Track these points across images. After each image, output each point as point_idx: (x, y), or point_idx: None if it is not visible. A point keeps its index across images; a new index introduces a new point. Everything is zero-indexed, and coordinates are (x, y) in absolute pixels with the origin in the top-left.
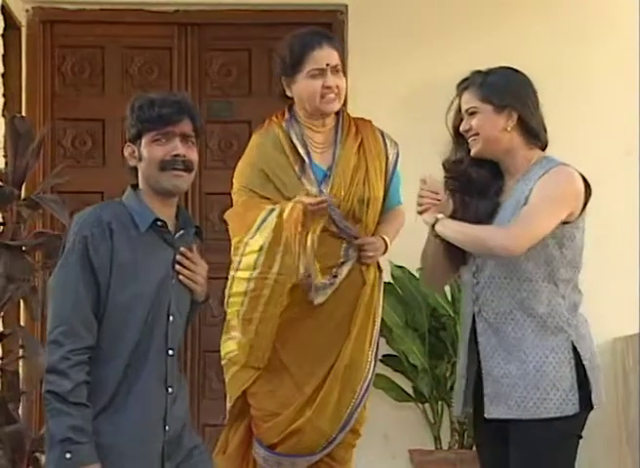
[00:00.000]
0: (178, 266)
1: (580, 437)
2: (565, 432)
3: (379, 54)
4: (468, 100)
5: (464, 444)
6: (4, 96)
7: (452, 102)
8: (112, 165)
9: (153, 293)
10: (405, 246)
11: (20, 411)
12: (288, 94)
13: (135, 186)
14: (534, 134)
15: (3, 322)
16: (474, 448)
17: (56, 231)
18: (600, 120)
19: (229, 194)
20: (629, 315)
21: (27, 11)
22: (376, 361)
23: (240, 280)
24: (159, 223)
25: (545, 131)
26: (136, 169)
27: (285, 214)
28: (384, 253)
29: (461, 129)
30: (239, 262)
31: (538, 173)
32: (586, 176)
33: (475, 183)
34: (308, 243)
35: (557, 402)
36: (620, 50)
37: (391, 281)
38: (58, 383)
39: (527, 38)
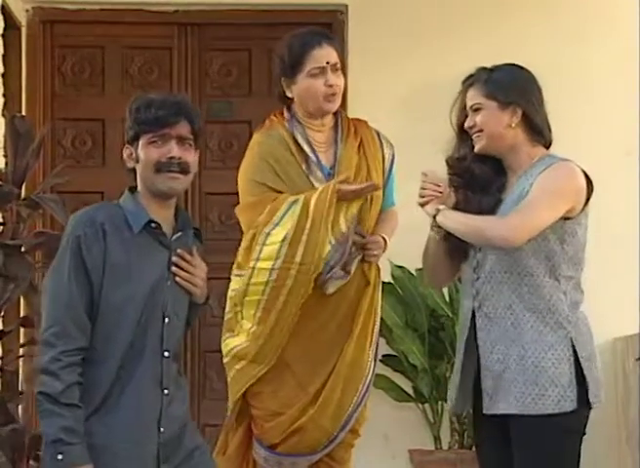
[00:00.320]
0: (174, 268)
1: (583, 434)
2: (564, 428)
3: (379, 54)
4: (473, 97)
5: (464, 444)
6: (4, 95)
7: (456, 99)
8: (112, 165)
9: (146, 295)
10: (405, 246)
11: (19, 411)
12: (288, 94)
13: (133, 188)
14: (538, 131)
15: (3, 321)
16: (474, 449)
17: (56, 231)
18: (600, 120)
19: (229, 194)
20: (629, 315)
21: (27, 11)
22: (376, 360)
23: (261, 270)
24: (153, 225)
25: (549, 128)
26: (134, 170)
27: (313, 200)
28: (384, 252)
29: (466, 125)
30: (260, 252)
31: (539, 169)
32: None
33: (478, 180)
34: (342, 226)
35: (555, 398)
36: (620, 50)
37: (391, 281)
38: (49, 384)
39: (527, 38)
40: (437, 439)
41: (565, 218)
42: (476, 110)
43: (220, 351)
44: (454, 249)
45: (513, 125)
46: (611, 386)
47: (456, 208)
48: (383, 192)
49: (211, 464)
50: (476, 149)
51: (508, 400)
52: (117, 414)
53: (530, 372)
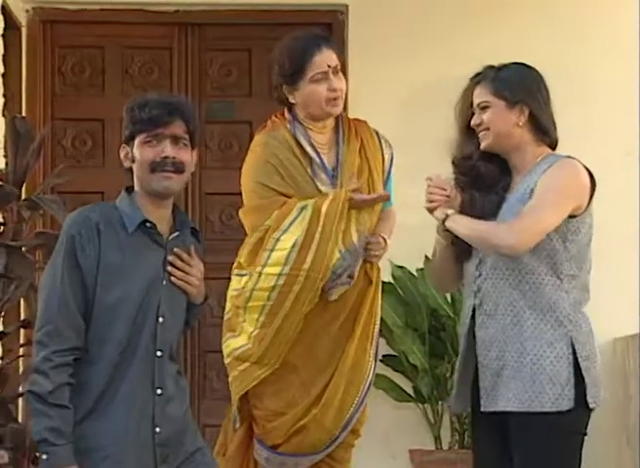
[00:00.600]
0: (169, 267)
1: (584, 435)
2: (560, 427)
3: (379, 54)
4: (480, 95)
5: (465, 444)
6: (4, 96)
7: (462, 96)
8: (112, 165)
9: (141, 295)
10: (405, 246)
11: (20, 410)
12: (291, 100)
13: (130, 188)
14: (544, 130)
15: (3, 321)
16: None
17: (56, 231)
18: (600, 120)
19: (230, 194)
20: (630, 315)
21: (27, 11)
22: (376, 360)
23: (268, 276)
24: (148, 224)
25: (555, 128)
26: (131, 170)
27: (324, 208)
28: (385, 252)
29: (473, 123)
30: (268, 258)
31: (543, 167)
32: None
33: (484, 178)
34: (354, 236)
35: (553, 396)
36: (620, 50)
37: (392, 281)
38: (39, 384)
39: (527, 38)
40: (437, 439)
41: (569, 216)
42: (483, 108)
43: (220, 351)
44: (461, 252)
45: (520, 124)
46: (611, 386)
47: (461, 208)
48: (383, 189)
49: (212, 466)
50: (482, 147)
51: (507, 397)
52: (109, 416)
53: (528, 370)
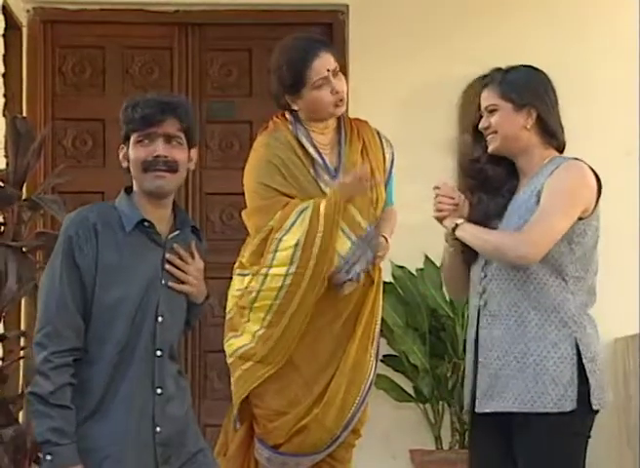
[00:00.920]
0: (167, 266)
1: (588, 437)
2: (562, 428)
3: (379, 54)
4: (488, 98)
5: (465, 444)
6: (5, 96)
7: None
8: (113, 165)
9: (140, 294)
10: (405, 246)
11: (21, 412)
12: (294, 107)
13: (129, 188)
14: (551, 133)
15: (4, 322)
16: None
17: (56, 231)
18: (600, 120)
19: (230, 194)
20: (630, 315)
21: (28, 11)
22: (377, 360)
23: (274, 276)
24: (146, 224)
25: (563, 131)
26: (130, 170)
27: (322, 206)
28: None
29: (480, 126)
30: (272, 259)
31: (549, 169)
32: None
33: (491, 181)
34: (362, 223)
35: (555, 397)
36: (620, 50)
37: (392, 281)
38: (40, 385)
39: (527, 38)
40: (438, 439)
41: (577, 218)
42: (491, 111)
43: (220, 351)
44: (469, 255)
45: (528, 126)
46: (611, 386)
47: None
48: (384, 190)
49: (213, 467)
50: (490, 150)
51: (505, 397)
52: (110, 416)
53: (531, 370)
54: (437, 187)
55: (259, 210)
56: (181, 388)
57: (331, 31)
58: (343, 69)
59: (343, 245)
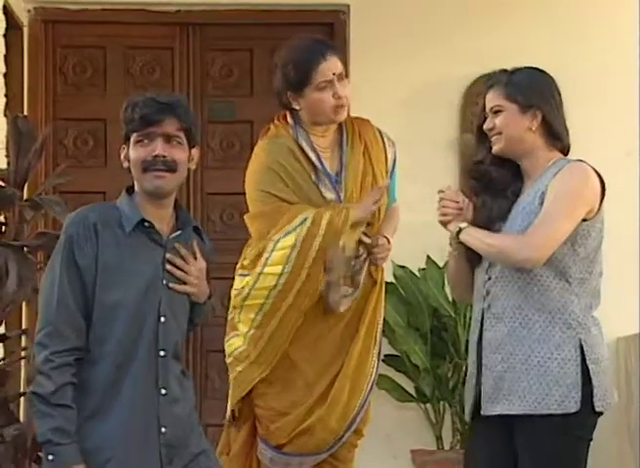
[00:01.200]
0: (168, 266)
1: (590, 440)
2: (566, 430)
3: (380, 54)
4: (493, 99)
5: (468, 448)
6: (6, 96)
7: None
8: (114, 165)
9: (140, 294)
10: (407, 245)
11: (22, 412)
12: (295, 107)
13: (131, 188)
14: (556, 135)
15: (5, 322)
16: None
17: (58, 231)
18: (600, 120)
19: (231, 194)
20: (631, 315)
21: (29, 11)
22: (379, 360)
23: (268, 275)
24: (146, 224)
25: (568, 133)
26: (130, 170)
27: (325, 220)
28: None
29: (485, 127)
30: (267, 258)
31: (553, 171)
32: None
33: (495, 183)
34: (348, 251)
35: (559, 398)
36: (620, 50)
37: (393, 281)
38: (41, 385)
39: (528, 38)
40: (439, 439)
41: (582, 219)
42: (496, 112)
43: (222, 351)
44: (474, 260)
45: (533, 128)
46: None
47: (473, 212)
48: (386, 191)
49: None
50: (494, 151)
51: (511, 400)
52: (112, 417)
53: (535, 372)
54: (441, 191)
55: (261, 216)
56: (185, 388)
57: (332, 31)
58: (344, 69)
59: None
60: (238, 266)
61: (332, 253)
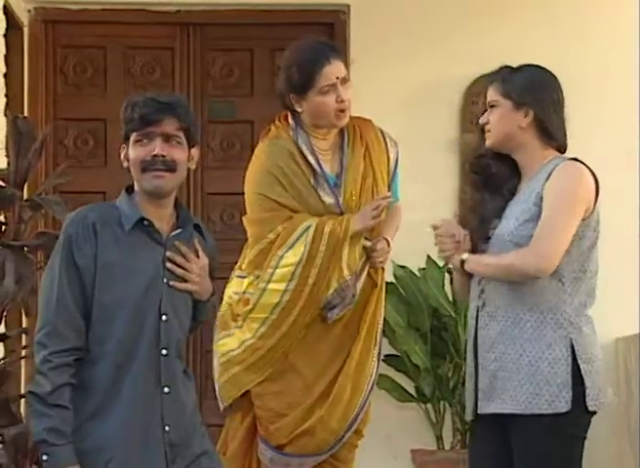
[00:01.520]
0: (169, 264)
1: (584, 438)
2: (557, 429)
3: (381, 54)
4: (491, 94)
5: (466, 444)
6: (6, 96)
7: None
8: (114, 165)
9: (141, 293)
10: (407, 246)
11: (22, 412)
12: (298, 109)
13: (131, 188)
14: (550, 134)
15: (6, 322)
16: None
17: (58, 231)
18: (600, 120)
19: (231, 194)
20: (631, 315)
21: (29, 11)
22: (379, 360)
23: (273, 291)
24: (145, 222)
25: (565, 133)
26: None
27: (327, 228)
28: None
29: (480, 121)
30: (271, 274)
31: (547, 170)
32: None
33: (495, 178)
34: (345, 271)
35: (549, 398)
36: (620, 50)
37: (394, 281)
38: (39, 384)
39: (528, 38)
40: (439, 439)
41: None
42: (492, 107)
43: None
44: None
45: (524, 126)
46: (613, 387)
47: (470, 207)
48: (388, 190)
49: None
50: (486, 145)
51: (503, 399)
52: (114, 417)
53: (526, 371)
54: (435, 227)
55: (258, 221)
56: (188, 388)
57: (332, 31)
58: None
59: (334, 273)
60: (236, 267)
61: (331, 296)
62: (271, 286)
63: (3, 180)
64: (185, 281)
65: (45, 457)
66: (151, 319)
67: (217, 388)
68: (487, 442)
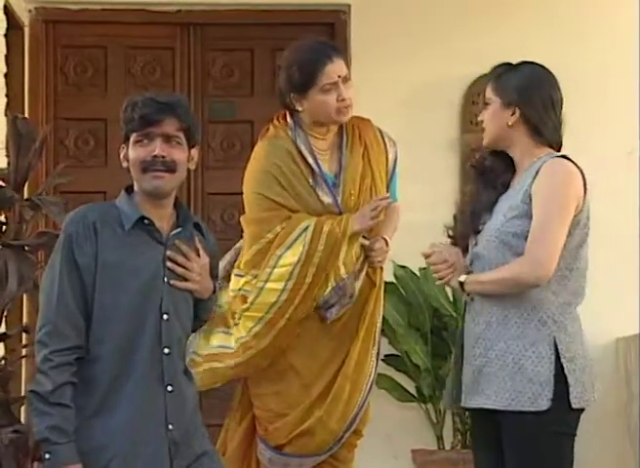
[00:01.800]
0: (169, 263)
1: (572, 435)
2: (539, 427)
3: (381, 53)
4: (487, 91)
5: (467, 444)
6: (7, 96)
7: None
8: (115, 165)
9: (141, 292)
10: (407, 245)
11: (22, 412)
12: (299, 108)
13: (130, 188)
14: (539, 132)
15: (6, 321)
16: None
17: (58, 231)
18: (601, 120)
19: (231, 194)
20: (631, 315)
21: (30, 11)
22: (377, 360)
23: (271, 291)
24: (145, 221)
25: (557, 130)
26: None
27: (326, 228)
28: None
29: (479, 118)
30: (269, 274)
31: (536, 167)
32: (584, 171)
33: (489, 172)
34: (342, 270)
35: (532, 396)
36: (620, 50)
37: (394, 281)
38: (40, 383)
39: (528, 38)
40: (440, 439)
41: None
42: (486, 104)
43: None
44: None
45: (510, 123)
46: (613, 386)
47: (465, 200)
48: (387, 190)
49: None
50: (484, 144)
51: (488, 394)
52: (116, 415)
53: (510, 369)
54: (427, 256)
55: (257, 220)
56: (189, 387)
57: (333, 31)
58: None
59: (331, 273)
60: (235, 266)
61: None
62: (269, 285)
63: (3, 180)
64: (186, 280)
65: (47, 456)
66: (152, 318)
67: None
68: (488, 438)
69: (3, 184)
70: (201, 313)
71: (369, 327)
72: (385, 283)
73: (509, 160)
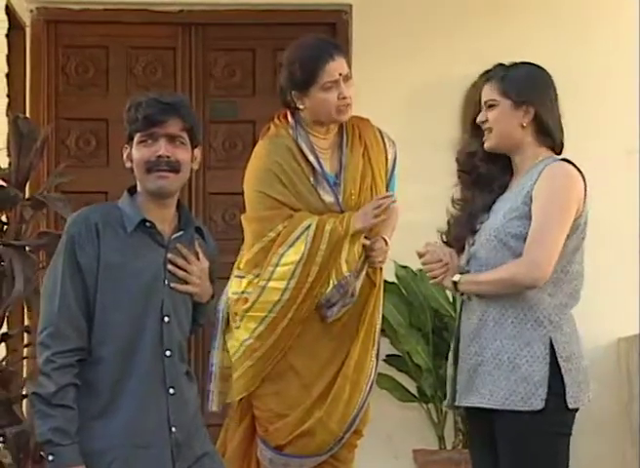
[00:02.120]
0: (170, 266)
1: (568, 435)
2: (533, 427)
3: (382, 53)
4: (488, 93)
5: (468, 444)
6: (8, 96)
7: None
8: (116, 165)
9: (142, 294)
10: (408, 246)
11: (24, 412)
12: (299, 106)
13: (133, 189)
14: (548, 132)
15: (8, 321)
16: None
17: (59, 231)
18: (601, 120)
19: (233, 194)
20: (632, 315)
21: (31, 11)
22: (377, 360)
23: (273, 289)
24: (147, 224)
25: (561, 131)
26: (133, 170)
27: (328, 226)
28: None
29: (478, 120)
30: (272, 272)
31: (538, 170)
32: (585, 173)
33: (483, 178)
34: (344, 268)
35: (525, 396)
36: (620, 50)
37: (395, 281)
38: (42, 385)
39: (529, 38)
40: (441, 439)
41: None
42: (490, 107)
43: None
44: (458, 251)
45: (524, 124)
46: (614, 386)
47: (460, 204)
48: (386, 190)
49: None
50: (486, 147)
51: (482, 393)
52: (118, 417)
53: (504, 368)
54: (420, 254)
55: (259, 219)
56: (190, 389)
57: (334, 31)
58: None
59: (332, 273)
60: (235, 267)
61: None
62: (271, 284)
63: (4, 180)
64: (186, 283)
65: (50, 457)
66: (153, 320)
67: (214, 389)
68: (484, 438)
69: (4, 184)
70: (199, 317)
71: (369, 327)
72: (387, 283)
73: (506, 161)
